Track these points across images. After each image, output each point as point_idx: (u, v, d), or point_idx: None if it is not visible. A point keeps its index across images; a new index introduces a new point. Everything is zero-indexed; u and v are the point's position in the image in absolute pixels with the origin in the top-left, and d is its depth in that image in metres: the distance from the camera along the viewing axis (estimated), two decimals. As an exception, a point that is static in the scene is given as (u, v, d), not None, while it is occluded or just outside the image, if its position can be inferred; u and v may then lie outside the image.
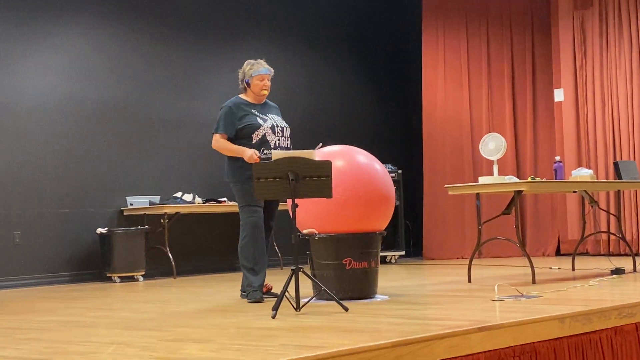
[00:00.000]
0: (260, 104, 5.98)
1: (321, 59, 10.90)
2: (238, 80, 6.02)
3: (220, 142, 5.84)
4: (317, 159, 5.01)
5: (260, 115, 5.88)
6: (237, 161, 5.81)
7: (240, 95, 6.00)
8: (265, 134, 5.82)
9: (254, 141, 5.79)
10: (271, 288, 5.90)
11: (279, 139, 5.87)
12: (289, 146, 5.96)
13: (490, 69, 10.72)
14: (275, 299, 5.01)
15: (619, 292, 5.53)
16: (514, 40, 10.76)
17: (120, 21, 9.10)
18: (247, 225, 5.76)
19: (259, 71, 5.90)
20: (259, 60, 5.98)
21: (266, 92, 5.94)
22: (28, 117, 8.32)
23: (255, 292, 5.66)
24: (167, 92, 9.38)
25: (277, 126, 5.90)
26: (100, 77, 8.88)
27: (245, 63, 5.99)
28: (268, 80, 5.94)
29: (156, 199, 8.94)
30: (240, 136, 5.82)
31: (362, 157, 5.64)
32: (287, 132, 5.97)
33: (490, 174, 9.03)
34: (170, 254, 8.68)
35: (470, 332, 3.77)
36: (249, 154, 5.65)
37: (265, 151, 5.76)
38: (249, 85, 5.93)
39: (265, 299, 5.67)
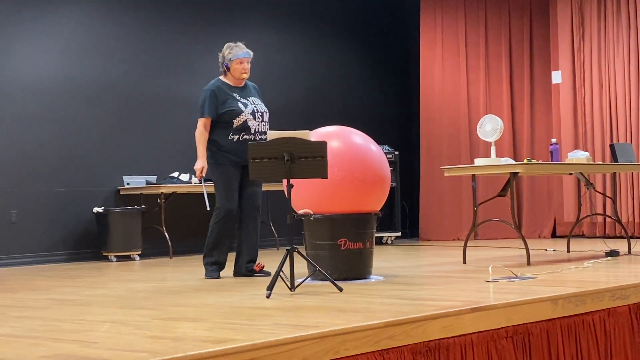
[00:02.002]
0: (241, 87, 6.05)
1: (318, 40, 10.86)
2: (219, 62, 6.09)
3: (200, 131, 5.95)
4: (312, 139, 5.01)
5: (242, 100, 5.97)
6: (215, 144, 5.93)
7: (220, 78, 6.08)
8: (246, 119, 5.93)
9: (234, 126, 5.91)
10: (263, 267, 5.97)
11: (258, 124, 5.98)
12: (267, 131, 6.02)
13: (488, 51, 10.70)
14: (269, 277, 5.10)
15: (613, 274, 5.55)
16: (512, 22, 10.73)
17: (117, 2, 9.06)
18: (222, 210, 5.93)
19: (237, 55, 5.97)
20: (238, 44, 6.05)
21: (246, 76, 6.02)
22: (24, 97, 8.30)
23: (213, 271, 5.98)
24: (164, 72, 9.36)
25: (258, 111, 6.00)
26: (97, 57, 8.85)
27: (225, 46, 6.06)
28: (247, 63, 6.02)
29: (153, 178, 8.94)
30: (222, 120, 5.92)
31: (358, 137, 5.64)
32: (266, 117, 6.08)
33: (487, 155, 9.04)
34: (166, 234, 8.69)
35: (463, 312, 3.79)
36: (199, 166, 5.91)
37: (205, 179, 6.00)
38: (228, 68, 6.01)
39: (257, 277, 5.90)
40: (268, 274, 5.87)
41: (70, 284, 6.12)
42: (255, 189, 6.06)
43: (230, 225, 5.99)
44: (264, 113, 6.05)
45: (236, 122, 5.89)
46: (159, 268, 7.48)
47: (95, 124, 8.78)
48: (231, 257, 6.11)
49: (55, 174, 8.48)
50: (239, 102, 5.95)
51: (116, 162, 8.90)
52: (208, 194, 6.13)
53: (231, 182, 5.93)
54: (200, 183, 6.06)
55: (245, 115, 5.91)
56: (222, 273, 6.06)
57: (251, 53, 6.05)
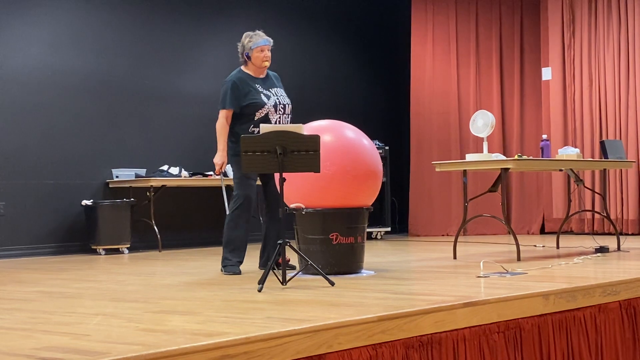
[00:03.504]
0: (262, 78, 5.96)
1: (310, 34, 10.84)
2: (238, 53, 5.99)
3: (221, 123, 5.85)
4: (305, 133, 5.00)
5: (264, 92, 5.88)
6: (236, 137, 5.82)
7: (242, 68, 5.96)
8: (268, 112, 5.84)
9: (256, 118, 5.81)
10: (289, 260, 5.79)
11: (280, 117, 5.90)
12: (288, 124, 5.95)
13: (479, 47, 10.71)
14: (293, 271, 5.19)
15: (602, 270, 5.57)
16: (502, 18, 10.74)
17: (108, -8, 9.02)
18: (240, 197, 5.81)
19: (258, 43, 5.87)
20: (257, 32, 5.95)
21: (267, 63, 5.92)
22: (14, 88, 8.24)
23: (233, 266, 5.78)
24: (155, 65, 9.31)
25: (280, 103, 5.91)
26: (87, 49, 8.80)
27: (244, 36, 5.95)
28: (268, 50, 5.92)
29: (142, 171, 8.90)
30: (244, 113, 5.82)
31: (350, 132, 5.62)
32: (288, 109, 5.98)
33: (477, 151, 9.05)
34: (155, 227, 8.66)
35: (455, 307, 3.79)
36: (219, 161, 5.80)
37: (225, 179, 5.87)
38: (249, 58, 5.90)
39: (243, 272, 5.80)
40: (293, 267, 5.78)
41: (59, 276, 6.09)
42: (271, 184, 5.94)
43: (248, 213, 5.84)
44: (286, 105, 5.95)
45: (258, 115, 5.78)
46: (148, 261, 7.45)
47: (84, 116, 8.73)
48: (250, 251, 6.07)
49: (44, 166, 8.43)
50: (261, 94, 5.84)
51: (105, 155, 8.86)
52: (228, 195, 5.98)
53: (250, 173, 5.78)
54: (220, 179, 5.90)
55: (268, 108, 5.81)
56: (213, 268, 6.02)
57: (271, 40, 5.94)
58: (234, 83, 5.84)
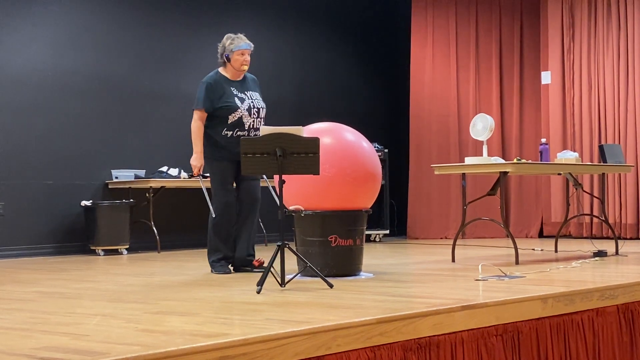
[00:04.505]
0: (239, 80, 6.00)
1: (309, 37, 10.85)
2: (217, 54, 6.03)
3: (196, 125, 5.90)
4: (305, 135, 5.01)
5: (239, 95, 5.92)
6: (210, 139, 5.91)
7: (219, 70, 6.01)
8: (241, 115, 5.88)
9: (229, 122, 5.88)
10: (263, 262, 5.94)
11: (254, 121, 5.94)
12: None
13: (479, 50, 10.72)
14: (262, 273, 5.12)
15: (600, 274, 5.58)
16: (502, 22, 10.75)
17: (108, -7, 9.03)
18: (220, 205, 5.92)
19: (239, 46, 5.91)
20: (239, 35, 5.99)
21: (246, 67, 5.97)
22: (14, 88, 8.25)
23: (222, 267, 5.95)
24: (155, 66, 9.33)
25: (254, 107, 5.94)
26: (87, 49, 8.81)
27: (225, 37, 5.99)
28: (248, 55, 5.96)
29: (142, 172, 8.91)
30: (217, 115, 5.88)
31: (350, 134, 5.64)
32: (262, 113, 6.02)
33: (476, 154, 9.07)
34: (154, 228, 8.66)
35: (454, 310, 3.80)
36: (197, 163, 5.87)
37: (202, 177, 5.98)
38: (228, 60, 5.93)
39: (255, 272, 5.90)
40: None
41: (58, 277, 6.10)
42: (254, 182, 6.04)
43: (230, 217, 5.96)
44: (261, 109, 5.99)
45: (231, 118, 5.85)
46: (147, 262, 7.45)
47: (84, 116, 8.74)
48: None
49: (44, 166, 8.44)
50: (235, 97, 5.88)
51: (105, 156, 8.86)
52: (210, 197, 6.03)
53: (227, 176, 5.93)
54: (198, 180, 6.01)
55: (241, 111, 5.86)
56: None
57: (252, 45, 6.00)
58: (209, 84, 5.90)
